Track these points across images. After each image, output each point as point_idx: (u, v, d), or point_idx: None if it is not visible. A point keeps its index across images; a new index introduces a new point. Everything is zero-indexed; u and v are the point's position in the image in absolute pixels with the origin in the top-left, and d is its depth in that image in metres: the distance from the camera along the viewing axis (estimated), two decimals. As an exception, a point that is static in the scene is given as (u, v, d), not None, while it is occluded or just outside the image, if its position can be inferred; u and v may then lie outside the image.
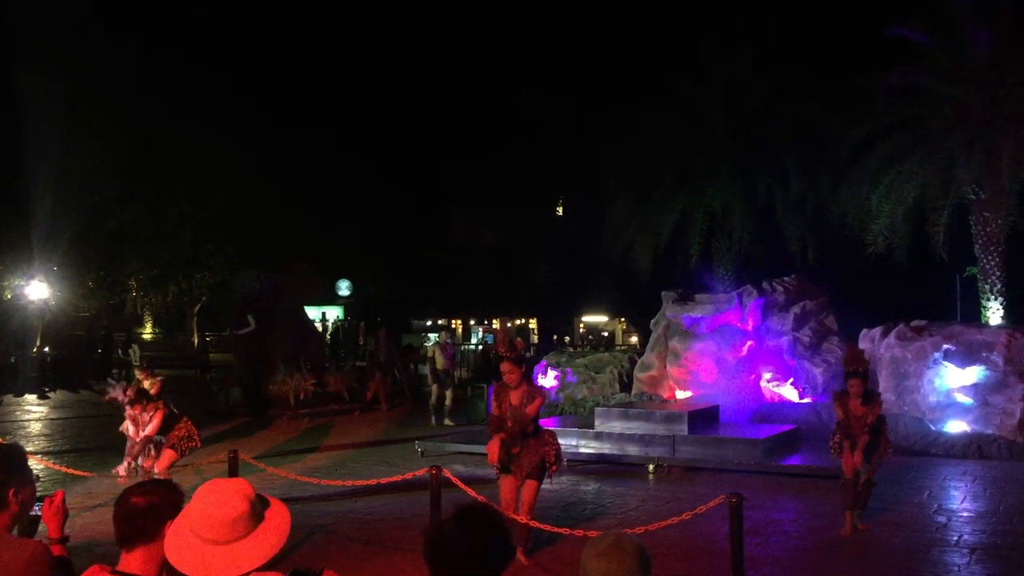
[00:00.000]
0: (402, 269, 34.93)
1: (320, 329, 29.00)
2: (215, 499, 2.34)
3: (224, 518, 2.31)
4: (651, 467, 11.78)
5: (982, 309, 16.57)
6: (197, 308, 33.66)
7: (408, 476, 8.55)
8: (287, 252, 25.94)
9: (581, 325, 42.86)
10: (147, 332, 39.74)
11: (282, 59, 28.92)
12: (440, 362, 17.13)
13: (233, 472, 8.53)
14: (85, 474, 9.74)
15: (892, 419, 14.11)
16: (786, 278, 17.34)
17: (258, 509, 2.40)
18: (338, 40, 31.54)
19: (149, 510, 2.58)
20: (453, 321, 44.49)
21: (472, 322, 44.07)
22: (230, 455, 8.60)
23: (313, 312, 29.35)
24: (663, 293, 17.98)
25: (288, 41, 28.97)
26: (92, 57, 24.55)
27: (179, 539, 2.37)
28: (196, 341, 31.71)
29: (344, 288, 34.05)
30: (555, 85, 27.36)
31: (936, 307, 17.00)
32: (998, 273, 16.46)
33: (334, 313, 35.77)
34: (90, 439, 15.40)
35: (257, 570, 2.35)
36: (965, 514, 9.59)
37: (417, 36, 33.37)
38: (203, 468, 10.63)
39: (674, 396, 16.06)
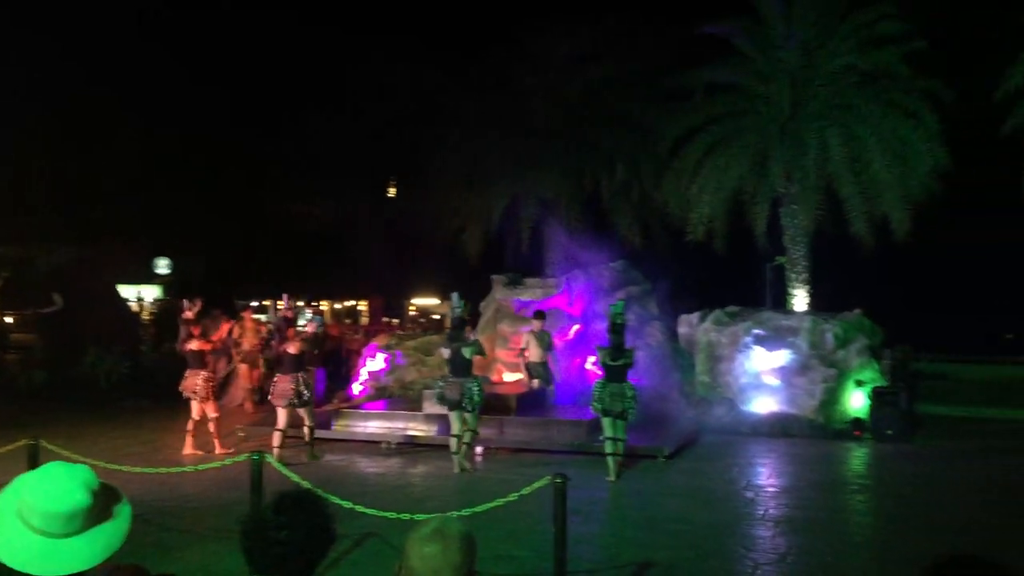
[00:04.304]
0: (224, 246, 33.58)
1: (136, 309, 27.53)
2: (53, 487, 2.06)
3: (61, 510, 2.04)
4: (480, 449, 11.86)
5: (788, 296, 17.63)
6: (-3, 285, 31.23)
7: (226, 461, 8.22)
8: (99, 226, 24.39)
9: (412, 307, 42.70)
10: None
11: (90, 30, 27.05)
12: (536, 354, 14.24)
13: (33, 461, 7.94)
14: None
15: (707, 400, 14.87)
16: (612, 264, 17.85)
17: (100, 503, 2.13)
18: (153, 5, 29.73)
19: None
20: (279, 302, 43.30)
21: (300, 303, 43.03)
22: (30, 442, 7.99)
23: (129, 291, 27.84)
24: (493, 277, 18.13)
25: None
26: None
27: (4, 528, 2.07)
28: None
29: (162, 266, 32.38)
30: (387, 64, 26.92)
31: (750, 294, 17.96)
32: (804, 263, 17.54)
33: (151, 292, 34.00)
34: None
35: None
36: (771, 489, 10.19)
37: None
38: None
39: (503, 379, 16.23)
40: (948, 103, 15.89)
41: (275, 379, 11.49)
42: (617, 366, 10.65)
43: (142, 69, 28.25)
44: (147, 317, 27.88)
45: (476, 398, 10.85)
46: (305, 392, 11.34)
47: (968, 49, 17.40)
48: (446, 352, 11.22)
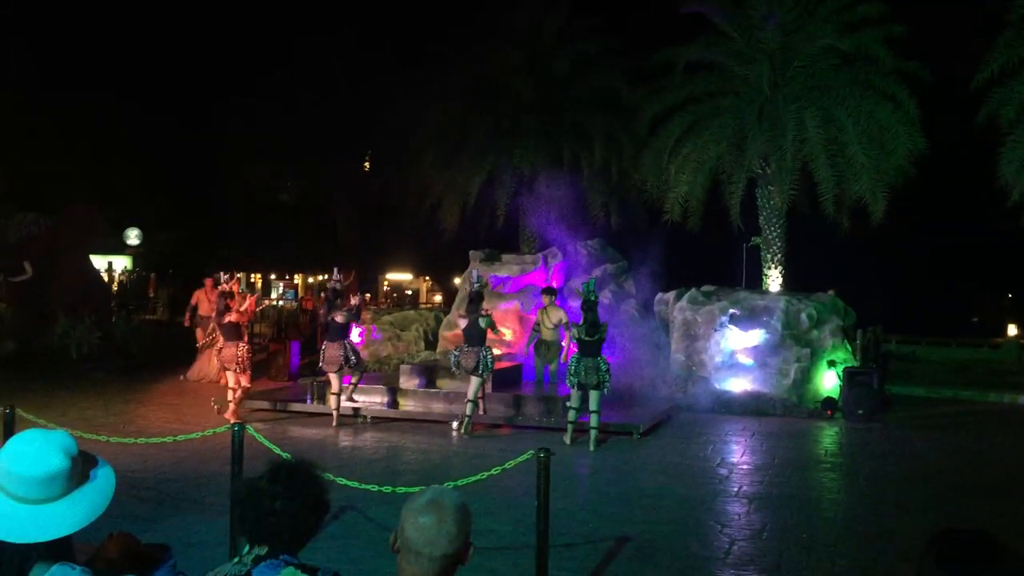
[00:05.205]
0: (196, 218, 33.26)
1: (107, 279, 27.21)
2: (29, 452, 2.06)
3: (38, 475, 2.03)
4: (455, 424, 11.88)
5: (763, 277, 17.74)
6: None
7: (206, 432, 8.16)
8: (70, 195, 24.01)
9: (385, 282, 42.56)
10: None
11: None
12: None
13: (9, 428, 7.84)
14: None
15: (682, 378, 14.98)
16: (589, 241, 17.88)
17: (79, 467, 2.12)
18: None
19: None
20: (252, 275, 42.96)
21: (273, 276, 42.73)
22: (4, 410, 7.89)
23: (99, 261, 27.53)
24: (471, 252, 18.10)
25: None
26: None
27: None
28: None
29: (133, 236, 32.05)
30: (364, 42, 26.70)
31: (725, 273, 18.04)
32: (779, 244, 17.65)
33: (122, 263, 33.64)
34: None
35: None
36: (744, 467, 10.29)
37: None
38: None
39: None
40: (927, 87, 15.97)
41: (324, 346, 12.39)
42: (592, 341, 11.07)
43: (115, 42, 27.82)
44: (116, 288, 27.59)
45: (490, 364, 11.72)
46: (352, 356, 12.27)
47: (948, 33, 17.50)
48: (463, 322, 11.98)
